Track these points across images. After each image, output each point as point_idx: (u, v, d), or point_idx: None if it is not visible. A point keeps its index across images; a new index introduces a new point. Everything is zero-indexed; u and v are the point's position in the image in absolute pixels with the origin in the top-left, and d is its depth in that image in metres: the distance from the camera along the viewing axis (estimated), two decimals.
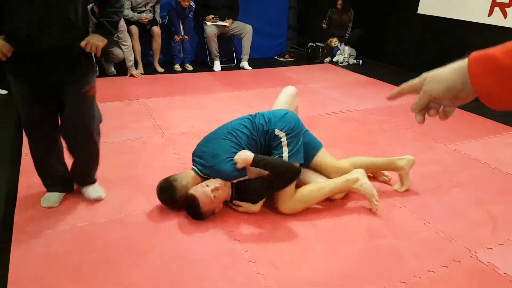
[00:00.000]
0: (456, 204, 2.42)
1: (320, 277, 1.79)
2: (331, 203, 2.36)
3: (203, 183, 2.12)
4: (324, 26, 6.29)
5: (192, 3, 5.21)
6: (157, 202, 2.31)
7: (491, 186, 2.64)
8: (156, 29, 5.12)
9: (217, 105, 4.06)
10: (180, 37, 5.25)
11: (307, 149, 2.36)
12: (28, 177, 2.42)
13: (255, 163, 2.09)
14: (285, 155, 2.18)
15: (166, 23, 5.29)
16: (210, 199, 2.06)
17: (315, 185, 2.27)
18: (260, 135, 2.27)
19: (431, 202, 2.43)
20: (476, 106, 4.20)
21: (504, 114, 3.99)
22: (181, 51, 5.38)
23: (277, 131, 2.22)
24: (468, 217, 2.29)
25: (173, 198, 2.17)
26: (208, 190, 2.06)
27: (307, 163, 2.38)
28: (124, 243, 1.96)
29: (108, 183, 2.50)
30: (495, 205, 2.41)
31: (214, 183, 2.09)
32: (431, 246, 2.02)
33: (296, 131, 2.24)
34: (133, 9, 4.95)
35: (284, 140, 2.20)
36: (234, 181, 2.17)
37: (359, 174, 2.29)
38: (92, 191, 2.30)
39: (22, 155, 2.74)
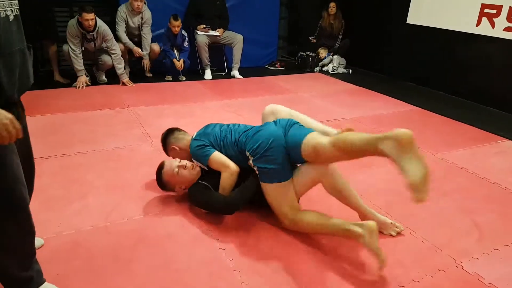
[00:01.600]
0: (442, 213, 2.44)
1: (304, 286, 1.79)
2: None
3: (178, 159, 2.34)
4: (313, 41, 6.34)
5: (183, 32, 5.23)
6: (144, 210, 2.31)
7: (478, 195, 2.66)
8: (155, 47, 5.19)
9: (207, 113, 4.07)
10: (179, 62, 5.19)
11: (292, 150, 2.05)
12: None
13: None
14: (261, 178, 2.09)
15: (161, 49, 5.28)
16: (172, 171, 2.26)
17: (318, 219, 1.99)
18: (243, 150, 2.22)
19: (417, 210, 2.44)
20: (464, 115, 4.26)
21: (492, 123, 4.04)
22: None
23: (247, 153, 2.14)
24: (454, 226, 2.31)
25: (165, 138, 2.54)
26: (175, 164, 2.28)
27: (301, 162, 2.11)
28: (110, 251, 1.95)
29: (95, 190, 2.50)
30: (481, 214, 2.43)
31: (185, 162, 2.29)
32: (417, 255, 2.03)
33: (261, 152, 2.04)
34: (127, 33, 5.05)
35: (251, 162, 2.12)
36: (195, 161, 2.34)
37: (366, 231, 1.82)
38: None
39: None
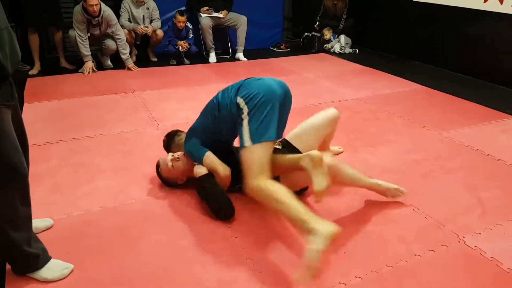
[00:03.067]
0: (446, 190, 2.45)
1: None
2: None
3: (171, 153, 2.33)
4: (317, 28, 6.27)
5: (188, 24, 5.21)
6: (151, 191, 2.36)
7: (482, 172, 2.67)
8: (159, 32, 5.17)
9: (211, 96, 4.03)
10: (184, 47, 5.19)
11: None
12: None
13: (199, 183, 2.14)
14: (246, 138, 1.88)
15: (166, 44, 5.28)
16: (167, 166, 2.27)
17: (282, 195, 1.73)
18: (225, 117, 2.04)
19: (421, 188, 2.46)
20: (470, 93, 4.23)
21: (500, 101, 4.01)
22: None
23: (238, 99, 1.94)
24: (457, 202, 2.32)
25: (168, 145, 2.52)
26: (168, 159, 2.28)
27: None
28: (118, 230, 2.01)
29: (103, 173, 2.55)
30: (485, 191, 2.44)
31: (177, 154, 2.30)
32: (419, 231, 2.06)
33: (262, 98, 1.89)
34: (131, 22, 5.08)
35: (245, 113, 1.90)
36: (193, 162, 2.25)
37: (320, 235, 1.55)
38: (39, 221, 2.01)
39: None
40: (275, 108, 1.91)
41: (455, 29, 5.04)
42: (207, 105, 2.24)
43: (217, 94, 2.17)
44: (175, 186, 2.38)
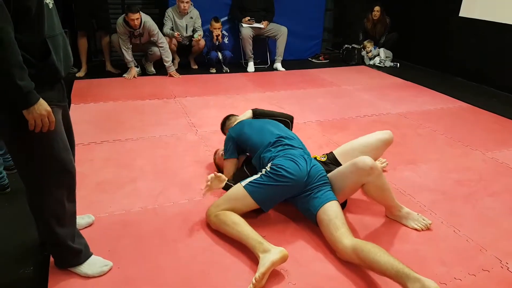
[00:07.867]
0: (489, 212, 2.37)
1: (342, 275, 1.81)
2: (359, 205, 2.36)
3: None
4: (361, 45, 6.24)
5: (224, 32, 5.30)
6: (189, 195, 2.41)
7: None
8: (201, 41, 5.27)
9: (248, 105, 4.11)
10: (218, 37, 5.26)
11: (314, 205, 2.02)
12: None
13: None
14: (247, 180, 2.06)
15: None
16: (219, 154, 2.61)
17: (236, 221, 1.95)
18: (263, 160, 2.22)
19: (463, 209, 2.39)
20: None
21: None
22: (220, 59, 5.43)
23: (269, 164, 2.08)
24: (501, 226, 2.23)
25: (223, 122, 2.76)
26: (222, 148, 2.56)
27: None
28: (156, 231, 2.06)
29: (144, 175, 2.63)
30: None
31: None
32: (460, 254, 1.99)
33: (284, 173, 1.99)
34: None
35: (264, 170, 2.07)
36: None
37: (275, 255, 1.73)
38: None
39: None
40: (285, 188, 2.03)
41: (502, 47, 4.87)
42: (250, 132, 2.39)
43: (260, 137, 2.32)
44: None
